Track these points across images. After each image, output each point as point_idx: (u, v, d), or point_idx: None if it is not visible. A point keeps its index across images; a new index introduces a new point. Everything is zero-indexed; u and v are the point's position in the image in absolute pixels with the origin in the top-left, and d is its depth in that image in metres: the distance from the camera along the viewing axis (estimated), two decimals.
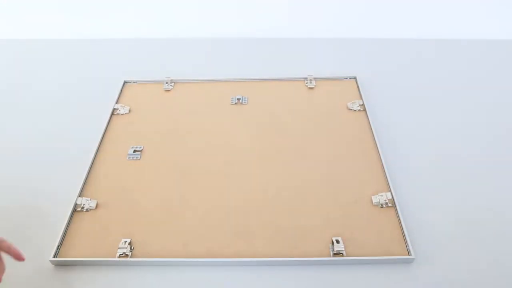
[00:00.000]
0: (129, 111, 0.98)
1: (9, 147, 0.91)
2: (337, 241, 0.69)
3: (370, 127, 0.91)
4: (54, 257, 0.68)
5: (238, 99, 1.00)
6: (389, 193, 0.77)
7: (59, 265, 0.68)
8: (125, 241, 0.69)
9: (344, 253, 0.67)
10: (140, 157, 0.86)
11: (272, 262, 0.67)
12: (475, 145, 0.89)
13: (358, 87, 1.04)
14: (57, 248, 0.69)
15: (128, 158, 0.85)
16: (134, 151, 0.86)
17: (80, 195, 0.78)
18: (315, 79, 1.06)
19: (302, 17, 1.27)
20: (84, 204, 0.76)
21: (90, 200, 0.77)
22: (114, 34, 1.29)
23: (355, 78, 1.07)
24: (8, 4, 1.27)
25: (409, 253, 0.68)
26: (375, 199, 0.76)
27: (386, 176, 0.80)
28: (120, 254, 0.68)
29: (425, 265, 0.68)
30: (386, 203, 0.75)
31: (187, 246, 0.69)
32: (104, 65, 1.18)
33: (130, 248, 0.69)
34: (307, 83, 1.05)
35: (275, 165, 0.84)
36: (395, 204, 0.75)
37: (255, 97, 1.01)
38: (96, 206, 0.76)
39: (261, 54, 1.21)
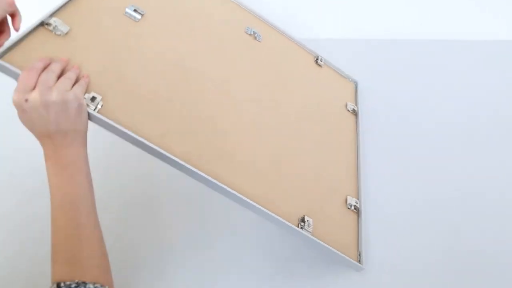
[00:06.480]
0: None
1: (9, 146, 0.86)
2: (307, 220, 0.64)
3: (357, 131, 0.90)
4: None
5: (254, 33, 0.90)
6: (357, 199, 0.75)
7: None
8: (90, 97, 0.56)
9: (310, 230, 0.63)
10: (139, 20, 0.71)
11: (243, 201, 0.60)
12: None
13: (356, 91, 1.01)
14: None
15: (125, 14, 0.70)
16: (135, 10, 0.72)
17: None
18: (325, 63, 1.01)
19: (302, 17, 1.22)
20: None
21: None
22: None
23: (356, 82, 1.04)
24: None
25: (359, 261, 0.66)
26: (349, 199, 0.74)
27: (358, 182, 0.79)
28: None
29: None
30: (354, 207, 0.73)
31: (164, 137, 0.58)
32: None
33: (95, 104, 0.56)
34: (317, 60, 0.99)
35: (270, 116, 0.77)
36: (359, 211, 0.74)
37: (269, 38, 0.93)
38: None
39: None
